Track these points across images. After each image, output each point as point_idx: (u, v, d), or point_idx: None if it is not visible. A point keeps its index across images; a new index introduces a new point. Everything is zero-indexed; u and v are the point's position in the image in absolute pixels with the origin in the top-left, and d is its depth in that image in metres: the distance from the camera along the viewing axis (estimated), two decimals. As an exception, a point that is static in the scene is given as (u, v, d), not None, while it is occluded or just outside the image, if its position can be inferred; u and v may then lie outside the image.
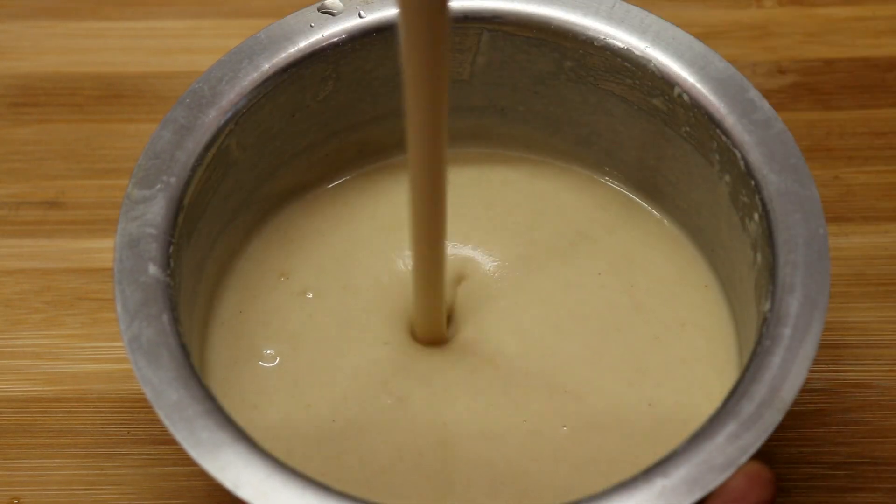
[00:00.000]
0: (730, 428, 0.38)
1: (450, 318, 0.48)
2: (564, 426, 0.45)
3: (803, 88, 0.60)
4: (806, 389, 0.51)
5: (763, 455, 0.37)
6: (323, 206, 0.51)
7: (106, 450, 0.50)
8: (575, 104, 0.49)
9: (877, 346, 0.52)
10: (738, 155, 0.44)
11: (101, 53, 0.61)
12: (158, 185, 0.42)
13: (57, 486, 0.49)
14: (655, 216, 0.50)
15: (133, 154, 0.43)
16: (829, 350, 0.52)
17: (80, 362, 0.52)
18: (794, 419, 0.50)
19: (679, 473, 0.37)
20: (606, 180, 0.51)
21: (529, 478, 0.44)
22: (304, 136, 0.49)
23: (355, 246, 0.50)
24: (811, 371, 0.39)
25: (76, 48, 0.61)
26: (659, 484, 0.37)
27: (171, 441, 0.38)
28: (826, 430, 0.50)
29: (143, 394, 0.39)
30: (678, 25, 0.46)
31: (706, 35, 0.58)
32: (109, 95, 0.60)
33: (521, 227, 0.50)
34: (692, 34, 0.46)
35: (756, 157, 0.43)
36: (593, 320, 0.47)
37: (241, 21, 0.62)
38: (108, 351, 0.52)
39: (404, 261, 0.49)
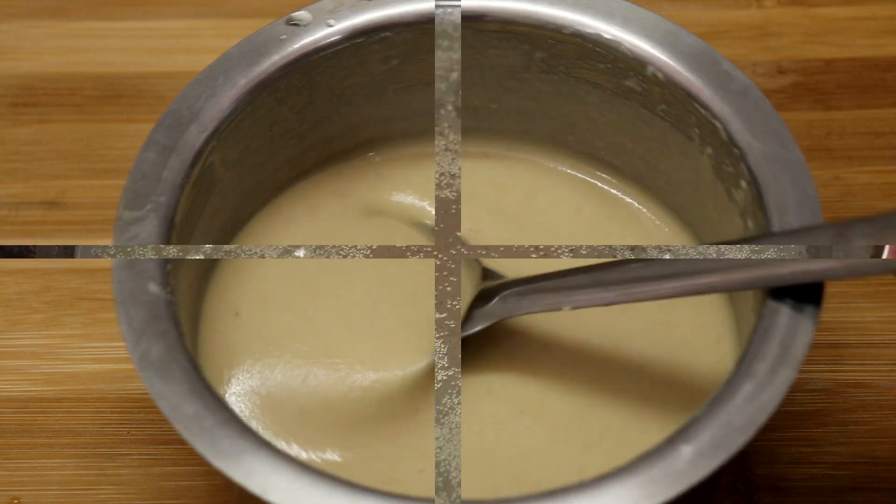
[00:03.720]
0: (746, 389, 0.38)
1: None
2: (570, 412, 0.45)
3: (803, 88, 0.60)
4: (806, 389, 0.51)
5: (763, 455, 0.37)
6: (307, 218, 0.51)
7: (106, 450, 0.50)
8: (548, 96, 0.49)
9: (877, 346, 0.52)
10: (719, 126, 0.44)
11: (100, 53, 0.61)
12: (149, 206, 0.43)
13: (57, 486, 0.49)
14: (642, 210, 0.50)
15: (133, 154, 0.43)
16: (829, 350, 0.52)
17: (80, 362, 0.52)
18: (794, 419, 0.50)
19: (704, 437, 0.38)
20: (580, 172, 0.51)
21: (531, 460, 0.44)
22: (283, 150, 0.49)
23: None
24: (811, 371, 0.39)
25: (76, 48, 0.61)
26: (686, 450, 0.37)
27: (172, 441, 0.38)
28: (826, 430, 0.50)
29: (143, 393, 0.39)
30: (678, 25, 0.46)
31: (706, 35, 0.58)
32: (109, 95, 0.60)
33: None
34: (693, 34, 0.46)
35: (737, 125, 0.43)
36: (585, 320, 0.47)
37: (241, 21, 0.62)
38: (108, 351, 0.52)
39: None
